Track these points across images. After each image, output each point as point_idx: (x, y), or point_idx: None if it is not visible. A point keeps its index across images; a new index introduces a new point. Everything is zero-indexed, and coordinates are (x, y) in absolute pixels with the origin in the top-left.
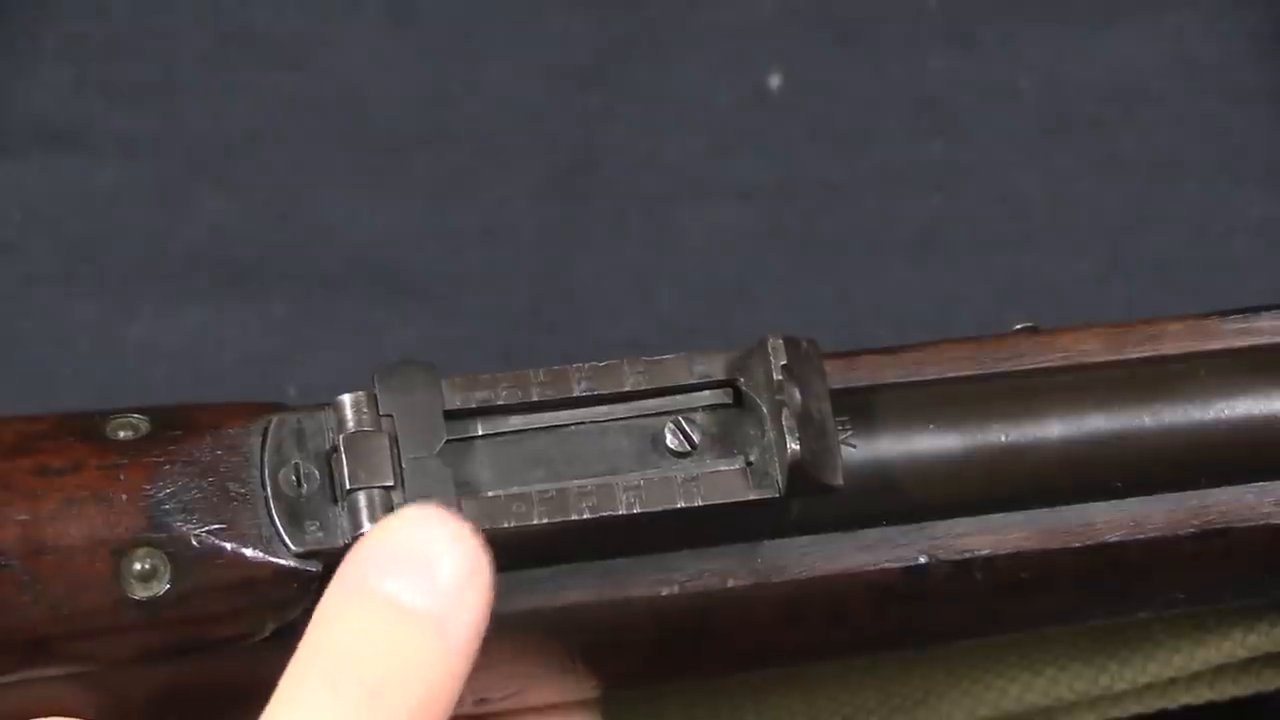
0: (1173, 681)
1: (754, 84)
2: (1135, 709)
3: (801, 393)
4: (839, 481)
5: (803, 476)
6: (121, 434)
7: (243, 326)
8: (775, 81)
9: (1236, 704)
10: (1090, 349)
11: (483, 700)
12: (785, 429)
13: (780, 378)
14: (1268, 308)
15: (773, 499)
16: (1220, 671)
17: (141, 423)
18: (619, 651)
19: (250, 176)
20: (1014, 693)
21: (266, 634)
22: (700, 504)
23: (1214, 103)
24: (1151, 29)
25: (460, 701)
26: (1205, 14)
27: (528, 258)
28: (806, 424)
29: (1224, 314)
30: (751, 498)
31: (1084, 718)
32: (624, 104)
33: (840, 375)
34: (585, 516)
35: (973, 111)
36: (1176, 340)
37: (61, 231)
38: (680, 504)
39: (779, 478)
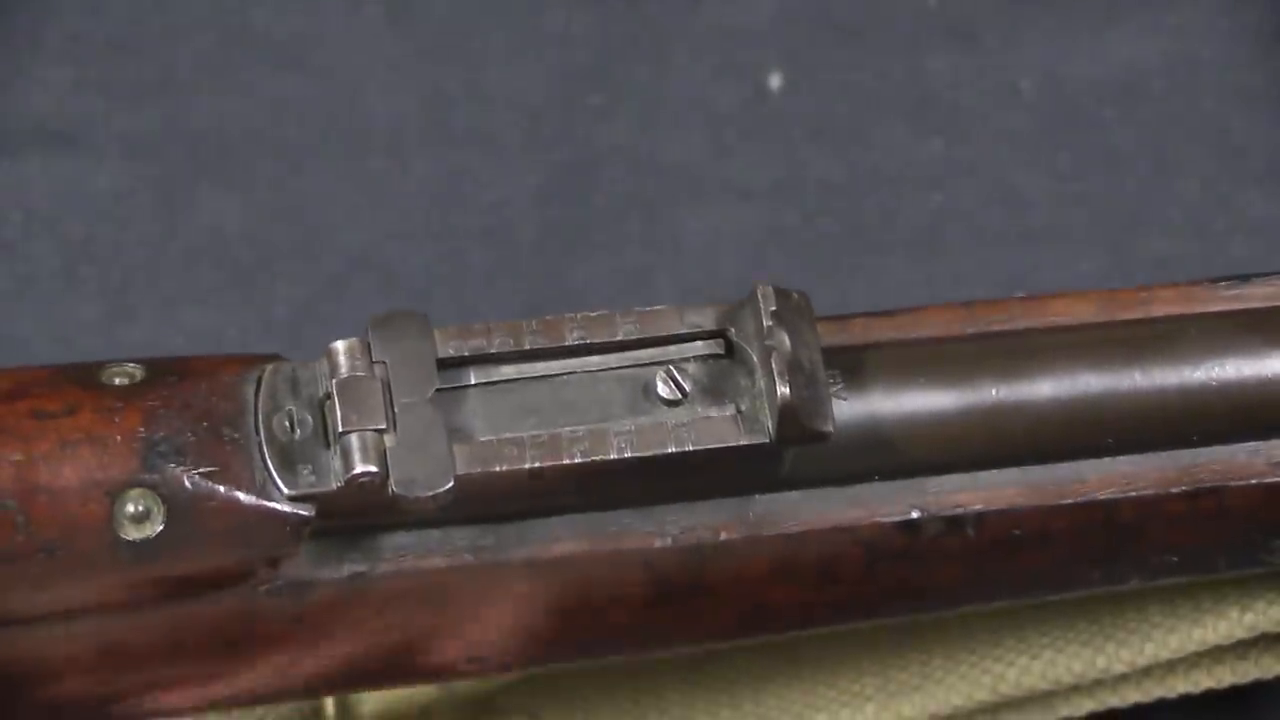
0: (1171, 667)
1: (754, 84)
2: (1134, 697)
3: (791, 340)
4: (830, 428)
5: (793, 422)
6: (117, 380)
7: (243, 326)
8: (775, 81)
9: (1236, 693)
10: (1082, 313)
11: (476, 659)
12: (775, 373)
13: (770, 324)
14: (1259, 275)
15: (763, 445)
16: (1218, 658)
17: (137, 370)
18: (612, 607)
19: (250, 176)
20: (1011, 676)
21: (259, 578)
22: (691, 448)
23: (1214, 103)
24: (1151, 29)
25: (454, 662)
26: (1205, 14)
27: (528, 258)
28: (796, 370)
29: (1215, 281)
30: (743, 443)
31: (1083, 705)
32: (624, 104)
33: (832, 337)
34: (577, 460)
35: (973, 111)
36: (1168, 305)
37: (61, 231)
38: (671, 449)
39: (769, 423)
